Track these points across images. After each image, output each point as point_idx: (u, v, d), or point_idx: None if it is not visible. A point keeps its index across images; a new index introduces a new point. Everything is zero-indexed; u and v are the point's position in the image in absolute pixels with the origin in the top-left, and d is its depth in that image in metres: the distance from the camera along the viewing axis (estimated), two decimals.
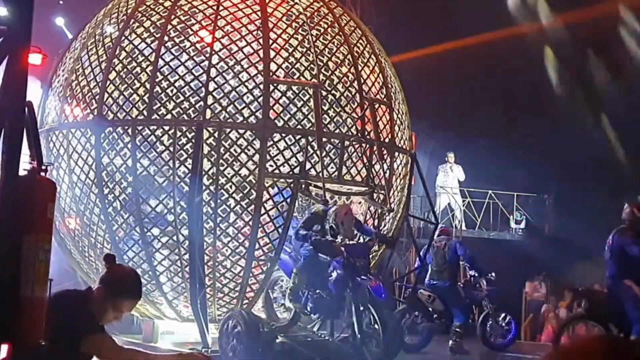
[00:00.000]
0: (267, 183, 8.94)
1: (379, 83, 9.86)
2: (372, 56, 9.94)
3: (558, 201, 16.92)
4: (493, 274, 10.53)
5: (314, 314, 8.14)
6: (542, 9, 17.45)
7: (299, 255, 8.26)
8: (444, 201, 15.98)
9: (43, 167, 3.46)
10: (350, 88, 9.50)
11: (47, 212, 3.38)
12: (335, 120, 9.38)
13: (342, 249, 7.87)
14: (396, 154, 9.97)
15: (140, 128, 8.93)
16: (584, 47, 16.82)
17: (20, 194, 3.25)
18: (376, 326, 7.59)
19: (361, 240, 8.64)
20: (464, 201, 16.18)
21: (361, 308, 7.63)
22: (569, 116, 16.18)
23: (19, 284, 3.19)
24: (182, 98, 8.95)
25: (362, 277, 7.74)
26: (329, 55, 9.52)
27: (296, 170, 8.89)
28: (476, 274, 10.49)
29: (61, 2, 15.75)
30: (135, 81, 9.10)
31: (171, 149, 8.83)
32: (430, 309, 10.36)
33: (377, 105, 9.67)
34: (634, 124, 14.91)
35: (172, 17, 9.24)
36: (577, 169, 15.22)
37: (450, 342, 10.35)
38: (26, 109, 3.40)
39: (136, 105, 9.01)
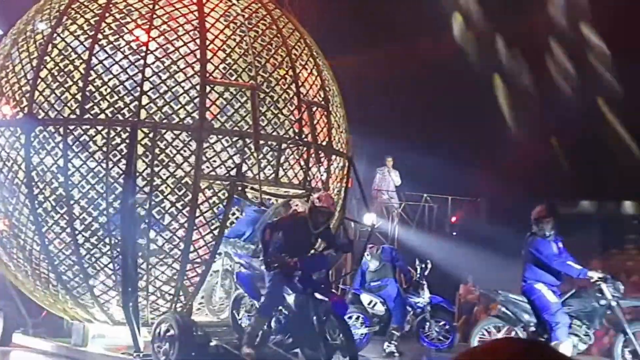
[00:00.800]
0: (203, 185, 8.86)
1: (316, 86, 9.88)
2: (310, 59, 9.95)
3: (490, 204, 17.31)
4: (429, 262, 10.82)
5: (280, 334, 7.72)
6: (478, 17, 17.83)
7: (254, 269, 8.12)
8: (381, 204, 16.16)
9: None
10: (288, 90, 9.50)
11: None
12: (272, 122, 9.36)
13: (298, 264, 7.44)
14: (333, 157, 10.02)
15: (72, 128, 8.74)
16: (522, 53, 17.27)
17: None
18: (340, 339, 7.42)
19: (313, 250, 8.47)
20: (400, 204, 16.39)
21: (323, 318, 7.36)
22: (503, 120, 16.60)
23: None
24: (116, 97, 8.80)
25: (322, 291, 7.45)
26: (267, 57, 9.50)
27: (233, 173, 8.83)
28: (422, 281, 10.74)
29: None
30: (68, 79, 8.89)
31: (104, 149, 8.66)
32: (370, 313, 10.47)
33: (314, 108, 9.70)
34: (565, 129, 15.40)
35: (107, 14, 9.06)
36: (509, 172, 15.60)
37: (386, 344, 10.47)
38: None
39: (68, 104, 8.81)
